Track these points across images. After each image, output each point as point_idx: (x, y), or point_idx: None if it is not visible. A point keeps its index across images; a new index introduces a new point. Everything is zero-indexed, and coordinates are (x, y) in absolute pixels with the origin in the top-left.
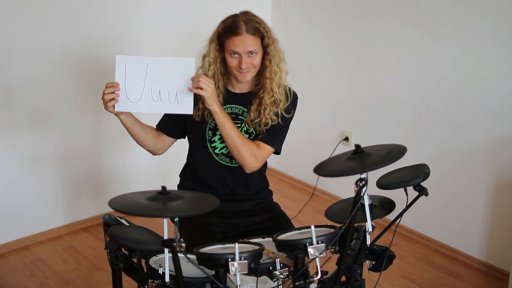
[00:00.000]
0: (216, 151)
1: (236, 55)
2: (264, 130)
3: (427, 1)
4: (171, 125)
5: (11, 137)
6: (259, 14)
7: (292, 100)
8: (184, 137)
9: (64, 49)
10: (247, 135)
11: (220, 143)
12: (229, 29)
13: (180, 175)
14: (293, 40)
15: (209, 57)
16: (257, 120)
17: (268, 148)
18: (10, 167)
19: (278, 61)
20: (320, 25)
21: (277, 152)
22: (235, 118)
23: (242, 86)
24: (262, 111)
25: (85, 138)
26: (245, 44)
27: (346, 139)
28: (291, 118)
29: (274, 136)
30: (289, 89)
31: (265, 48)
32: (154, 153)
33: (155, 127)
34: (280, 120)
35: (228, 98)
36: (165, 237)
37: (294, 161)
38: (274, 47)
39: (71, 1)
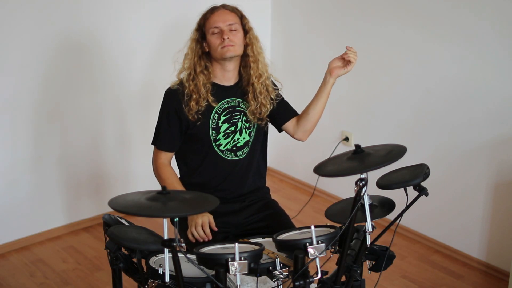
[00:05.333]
0: (221, 147)
1: (218, 31)
2: (275, 110)
3: (427, 1)
4: (176, 143)
5: (11, 137)
6: (259, 14)
7: (278, 88)
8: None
9: (64, 49)
10: (247, 124)
11: (224, 139)
12: (207, 11)
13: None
14: (293, 40)
15: (188, 48)
16: (257, 108)
17: None
18: (10, 167)
19: (259, 44)
20: (320, 26)
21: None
22: (233, 110)
23: (229, 77)
24: (258, 96)
25: (85, 138)
26: (224, 17)
27: (346, 139)
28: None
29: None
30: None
31: (244, 28)
32: None
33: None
34: (275, 103)
35: (221, 92)
36: (165, 237)
37: (294, 161)
38: (253, 32)
39: (71, 1)
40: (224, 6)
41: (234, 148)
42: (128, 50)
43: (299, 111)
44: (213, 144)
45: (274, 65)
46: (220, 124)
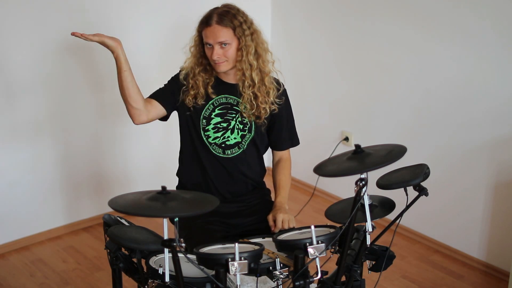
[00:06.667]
0: (210, 140)
1: (210, 46)
2: (274, 129)
3: (427, 1)
4: (165, 96)
5: (11, 137)
6: (259, 15)
7: (281, 88)
8: (168, 118)
9: (64, 48)
10: (242, 126)
11: (214, 132)
12: (203, 20)
13: (177, 174)
14: (293, 40)
15: (191, 48)
16: (254, 111)
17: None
18: (10, 167)
19: (253, 51)
20: (320, 26)
21: (298, 143)
22: (230, 108)
23: (230, 77)
24: (253, 102)
25: (85, 137)
26: (214, 35)
27: (346, 139)
28: (288, 106)
29: (290, 134)
30: (275, 78)
31: (239, 40)
32: (138, 117)
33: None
34: (277, 109)
35: (223, 87)
36: (165, 237)
37: (294, 161)
38: (251, 38)
39: (72, 1)
40: (218, 20)
41: (223, 145)
42: (130, 50)
43: (299, 112)
44: (202, 132)
45: (280, 62)
46: (212, 116)
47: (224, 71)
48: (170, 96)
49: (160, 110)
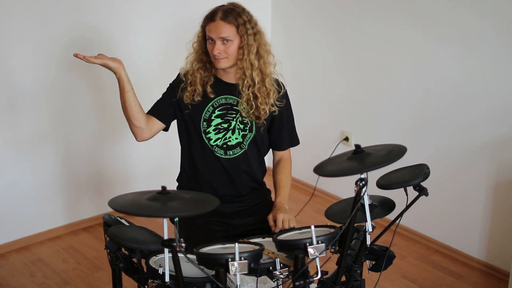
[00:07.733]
0: (211, 142)
1: (213, 41)
2: (273, 129)
3: (427, 1)
4: (163, 111)
5: (11, 137)
6: (259, 15)
7: (282, 90)
8: (168, 129)
9: (65, 48)
10: (242, 125)
11: (215, 134)
12: (207, 15)
13: (177, 180)
14: (293, 40)
15: (194, 44)
16: (254, 111)
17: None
18: (10, 167)
19: (255, 51)
20: (320, 26)
21: (298, 143)
22: (229, 108)
23: (230, 77)
24: (252, 102)
25: (85, 138)
26: (217, 30)
27: (346, 139)
28: (288, 107)
29: (290, 134)
30: (276, 80)
31: (241, 38)
32: (141, 135)
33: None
34: (277, 111)
35: (222, 87)
36: (165, 237)
37: (294, 161)
38: (253, 37)
39: (71, 2)
40: (222, 16)
41: (225, 146)
42: (131, 50)
43: (299, 112)
44: (203, 135)
45: (281, 63)
46: (212, 118)
47: (224, 68)
48: (167, 108)
49: (160, 125)
